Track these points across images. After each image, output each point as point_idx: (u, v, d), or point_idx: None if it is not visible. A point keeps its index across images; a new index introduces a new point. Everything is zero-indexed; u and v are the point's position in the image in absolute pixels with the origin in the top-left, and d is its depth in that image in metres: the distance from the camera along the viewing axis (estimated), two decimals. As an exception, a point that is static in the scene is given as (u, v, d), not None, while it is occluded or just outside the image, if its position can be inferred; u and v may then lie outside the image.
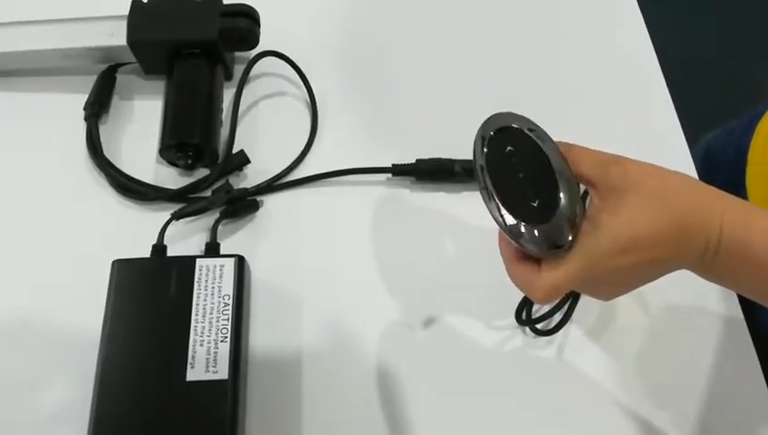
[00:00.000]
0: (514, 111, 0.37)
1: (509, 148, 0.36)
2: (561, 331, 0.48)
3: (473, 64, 0.61)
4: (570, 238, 0.34)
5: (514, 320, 0.49)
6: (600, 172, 0.35)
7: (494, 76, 0.60)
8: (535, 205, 0.34)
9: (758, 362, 0.48)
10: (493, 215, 0.35)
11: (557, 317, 0.48)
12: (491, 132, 0.36)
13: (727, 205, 0.35)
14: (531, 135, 0.36)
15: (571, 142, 0.37)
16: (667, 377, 0.48)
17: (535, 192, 0.35)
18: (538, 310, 0.49)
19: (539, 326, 0.48)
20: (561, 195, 0.35)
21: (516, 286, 0.37)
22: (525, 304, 0.48)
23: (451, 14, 0.64)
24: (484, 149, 0.35)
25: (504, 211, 0.34)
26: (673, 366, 0.48)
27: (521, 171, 0.35)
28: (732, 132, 0.62)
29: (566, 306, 0.47)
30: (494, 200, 0.35)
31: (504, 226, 0.35)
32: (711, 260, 0.35)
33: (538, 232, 0.34)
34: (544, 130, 0.37)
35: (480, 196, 0.35)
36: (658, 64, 0.61)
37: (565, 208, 0.34)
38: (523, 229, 0.34)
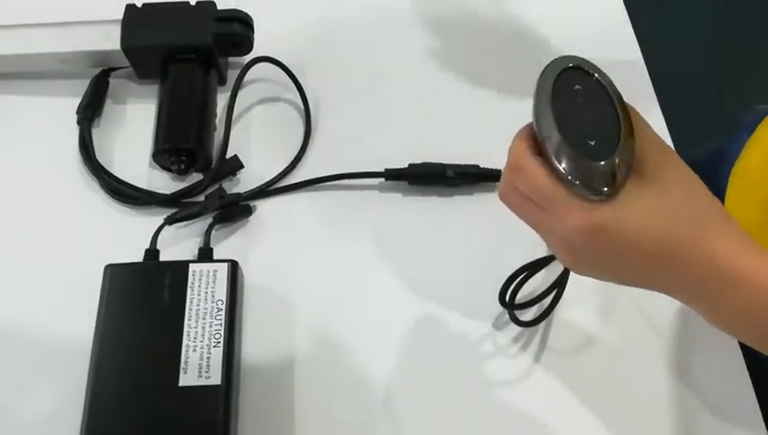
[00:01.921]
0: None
1: (577, 86, 0.35)
2: (551, 339, 0.48)
3: (466, 71, 0.61)
4: (605, 189, 0.33)
5: (504, 316, 0.49)
6: (639, 149, 0.34)
7: (487, 83, 0.60)
8: (592, 144, 0.33)
9: (746, 370, 0.48)
10: (542, 133, 0.33)
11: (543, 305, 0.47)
12: (563, 66, 0.35)
13: (738, 250, 0.33)
14: (603, 83, 0.35)
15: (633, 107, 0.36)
16: (652, 388, 0.48)
17: (595, 133, 0.34)
18: (522, 298, 0.48)
19: (519, 316, 0.48)
20: (620, 145, 0.33)
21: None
22: (508, 286, 0.47)
23: (445, 21, 0.64)
24: (555, 77, 0.34)
25: (557, 130, 0.33)
26: (661, 378, 0.48)
27: (586, 111, 0.34)
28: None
29: (551, 296, 0.47)
30: (551, 115, 0.33)
31: (552, 145, 0.33)
32: (715, 304, 0.34)
33: (586, 167, 0.33)
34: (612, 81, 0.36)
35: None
36: (649, 78, 0.61)
37: (617, 160, 0.33)
38: (573, 159, 0.33)
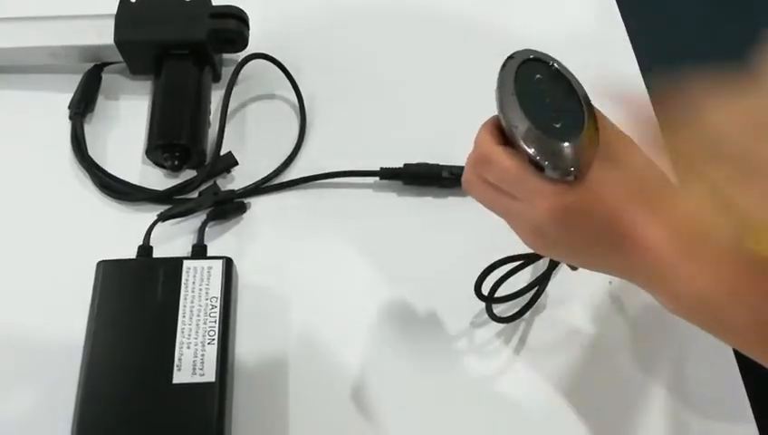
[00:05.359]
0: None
1: (538, 75, 0.36)
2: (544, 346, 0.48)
3: (462, 71, 0.61)
4: (573, 169, 0.34)
5: (490, 313, 0.49)
6: (603, 137, 0.35)
7: (483, 84, 0.60)
8: (558, 126, 0.35)
9: (737, 365, 0.49)
10: (509, 121, 0.34)
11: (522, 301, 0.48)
12: (524, 58, 0.36)
13: (670, 244, 0.34)
14: (562, 72, 0.37)
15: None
16: (641, 386, 0.48)
17: (559, 116, 0.35)
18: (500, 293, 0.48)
19: (498, 313, 0.48)
20: (585, 126, 0.35)
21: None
22: (483, 278, 0.46)
23: (440, 19, 0.64)
24: (516, 69, 0.36)
25: (523, 115, 0.34)
26: (649, 377, 0.48)
27: (548, 97, 0.36)
28: None
29: (531, 293, 0.47)
30: (516, 103, 0.34)
31: (520, 131, 0.34)
32: (659, 293, 0.36)
33: (555, 147, 0.34)
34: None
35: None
36: (642, 81, 0.61)
37: (584, 139, 0.34)
38: (541, 141, 0.34)
